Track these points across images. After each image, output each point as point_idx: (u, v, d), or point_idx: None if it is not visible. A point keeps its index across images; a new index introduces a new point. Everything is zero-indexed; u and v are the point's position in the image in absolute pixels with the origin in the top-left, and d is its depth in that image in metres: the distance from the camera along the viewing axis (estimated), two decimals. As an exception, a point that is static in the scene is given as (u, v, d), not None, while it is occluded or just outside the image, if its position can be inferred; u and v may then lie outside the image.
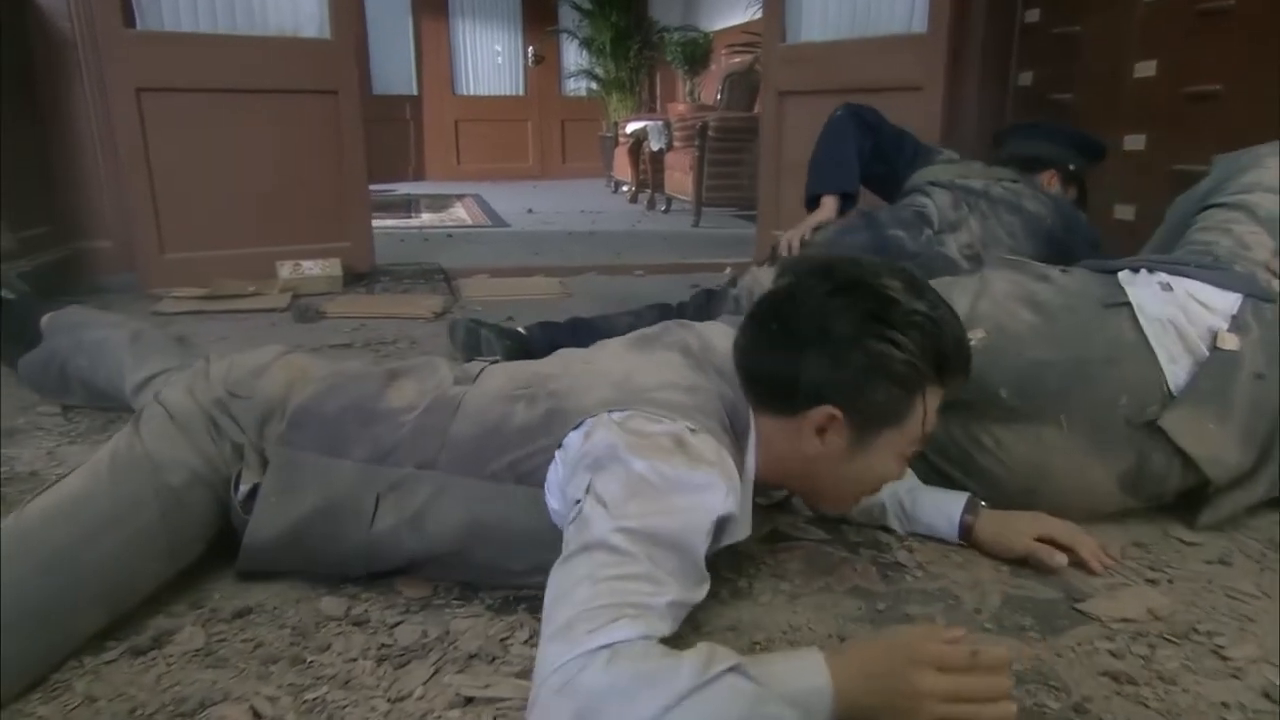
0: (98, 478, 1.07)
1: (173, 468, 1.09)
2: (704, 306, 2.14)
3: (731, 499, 0.93)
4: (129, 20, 2.98)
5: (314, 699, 0.92)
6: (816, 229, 2.16)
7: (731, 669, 0.74)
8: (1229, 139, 2.10)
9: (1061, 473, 1.32)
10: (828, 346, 0.97)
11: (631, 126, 6.92)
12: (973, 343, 1.08)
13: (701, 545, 0.89)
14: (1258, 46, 2.16)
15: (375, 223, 3.66)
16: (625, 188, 7.39)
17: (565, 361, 1.17)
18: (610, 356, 1.14)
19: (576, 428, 0.99)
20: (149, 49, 2.99)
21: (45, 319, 1.80)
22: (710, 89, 7.64)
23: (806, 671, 0.79)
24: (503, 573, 1.10)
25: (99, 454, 1.12)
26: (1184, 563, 1.26)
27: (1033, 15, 3.08)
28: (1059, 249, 2.08)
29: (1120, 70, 2.62)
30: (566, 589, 0.81)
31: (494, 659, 1.00)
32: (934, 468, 1.37)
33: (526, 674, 0.93)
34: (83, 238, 3.13)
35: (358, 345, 2.46)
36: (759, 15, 4.33)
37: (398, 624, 1.07)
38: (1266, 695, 0.95)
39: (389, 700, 0.93)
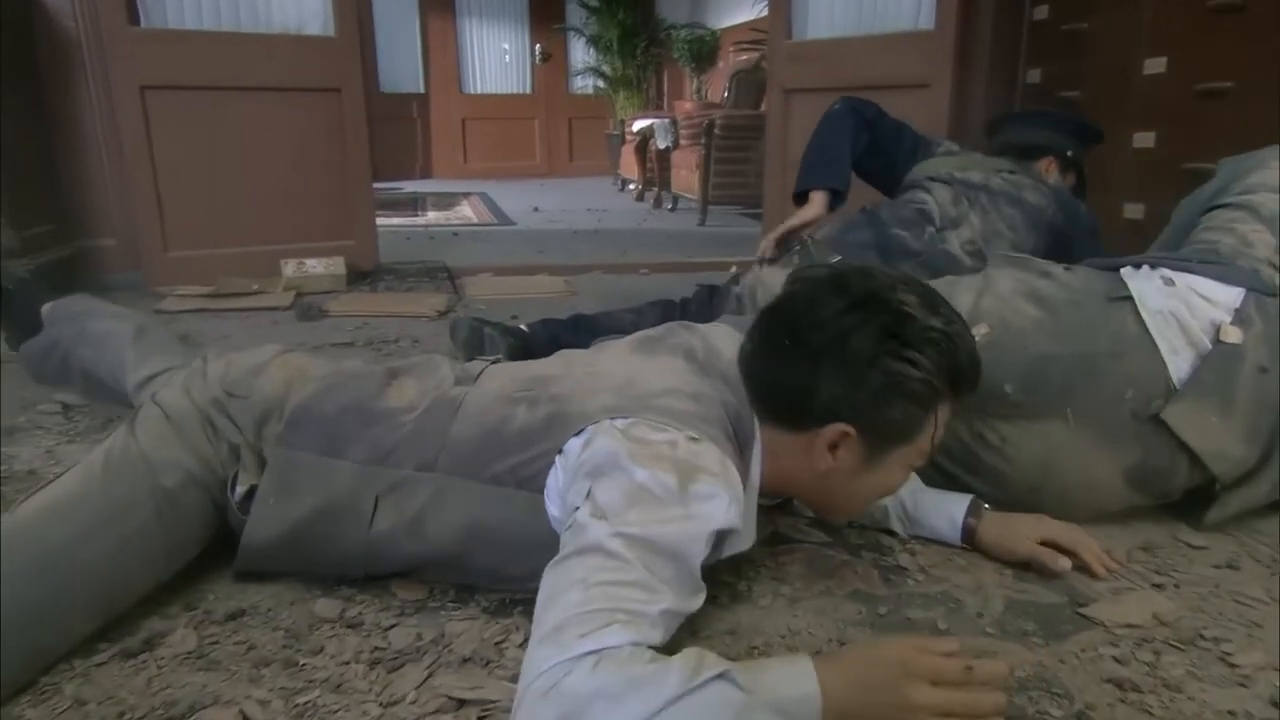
0: (91, 478, 1.06)
1: (167, 469, 1.08)
2: (706, 304, 2.13)
3: (733, 510, 0.91)
4: (133, 18, 2.98)
5: (305, 702, 0.91)
6: (800, 228, 2.13)
7: (719, 675, 0.73)
8: (1239, 137, 2.07)
9: (1067, 468, 1.31)
10: (844, 365, 0.95)
11: (638, 124, 6.91)
12: (977, 339, 1.06)
13: (699, 555, 0.87)
14: (1269, 43, 2.14)
15: (381, 221, 3.66)
16: (632, 186, 7.38)
17: (568, 363, 1.15)
18: (613, 359, 1.12)
19: (578, 434, 0.98)
20: (153, 47, 2.99)
21: (47, 307, 1.80)
22: (717, 87, 7.62)
23: (796, 680, 0.78)
24: (502, 577, 1.09)
25: (94, 454, 1.11)
26: (1191, 567, 1.24)
27: (1041, 12, 3.06)
28: (1060, 239, 2.06)
29: (1130, 67, 2.59)
30: (559, 591, 0.80)
31: (488, 662, 0.99)
32: (938, 467, 1.36)
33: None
34: (87, 236, 3.14)
35: (360, 344, 2.46)
36: (766, 12, 4.30)
37: (392, 626, 1.06)
38: (1274, 704, 0.93)
39: (381, 704, 0.92)
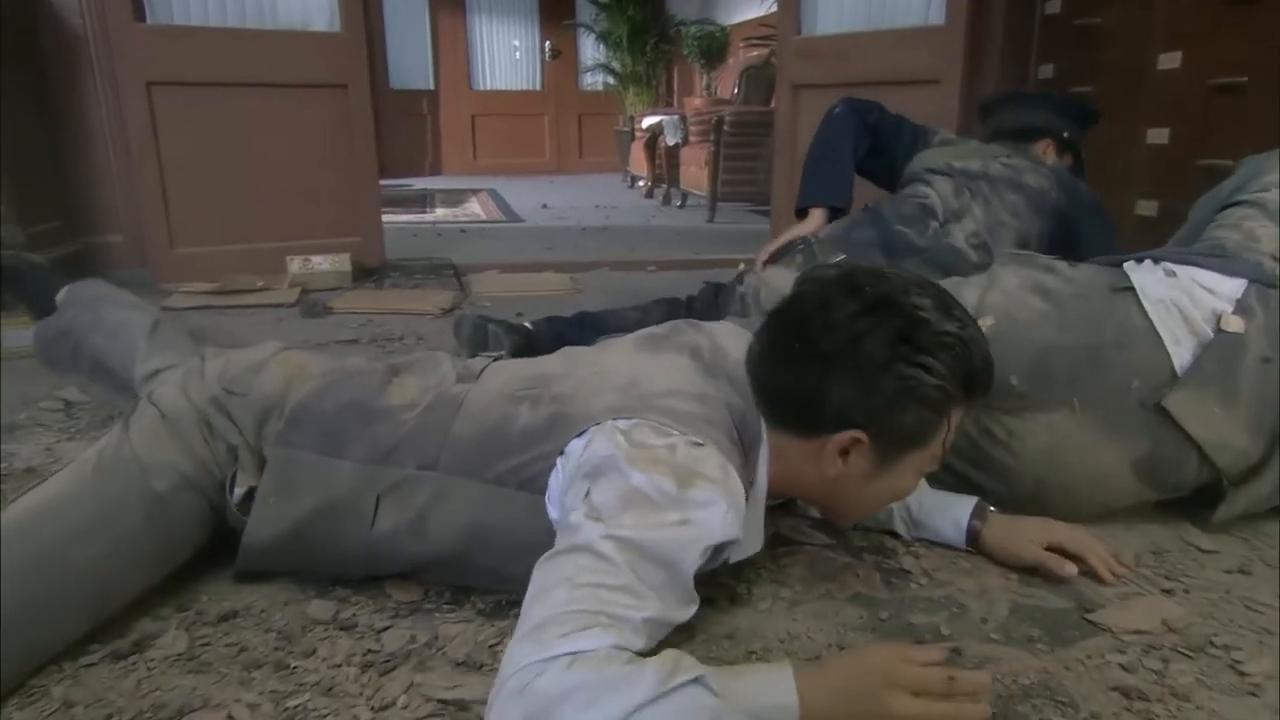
0: (83, 478, 1.05)
1: (160, 471, 1.06)
2: (712, 302, 2.11)
3: (731, 517, 0.89)
4: (139, 14, 2.98)
5: (295, 706, 0.90)
6: (792, 244, 2.11)
7: (694, 680, 0.73)
8: (1255, 132, 2.04)
9: (1074, 460, 1.30)
10: (857, 370, 0.93)
11: (647, 121, 6.88)
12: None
13: (692, 564, 0.86)
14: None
15: (389, 218, 3.65)
16: (641, 183, 7.35)
17: (571, 361, 1.13)
18: (617, 357, 1.11)
19: (580, 435, 0.96)
20: (159, 43, 2.99)
21: (62, 291, 1.79)
22: (727, 83, 7.59)
23: (774, 688, 0.77)
24: (503, 578, 1.07)
25: (87, 453, 1.10)
26: (1201, 571, 1.22)
27: (1053, 6, 3.02)
28: (1064, 221, 2.03)
29: (1144, 62, 2.55)
30: (546, 588, 0.80)
31: (481, 666, 0.98)
32: (943, 464, 1.35)
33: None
34: (94, 232, 3.15)
35: (364, 341, 2.45)
36: (776, 8, 4.27)
37: (386, 629, 1.04)
38: (1286, 714, 0.91)
39: (372, 709, 0.90)
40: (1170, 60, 2.47)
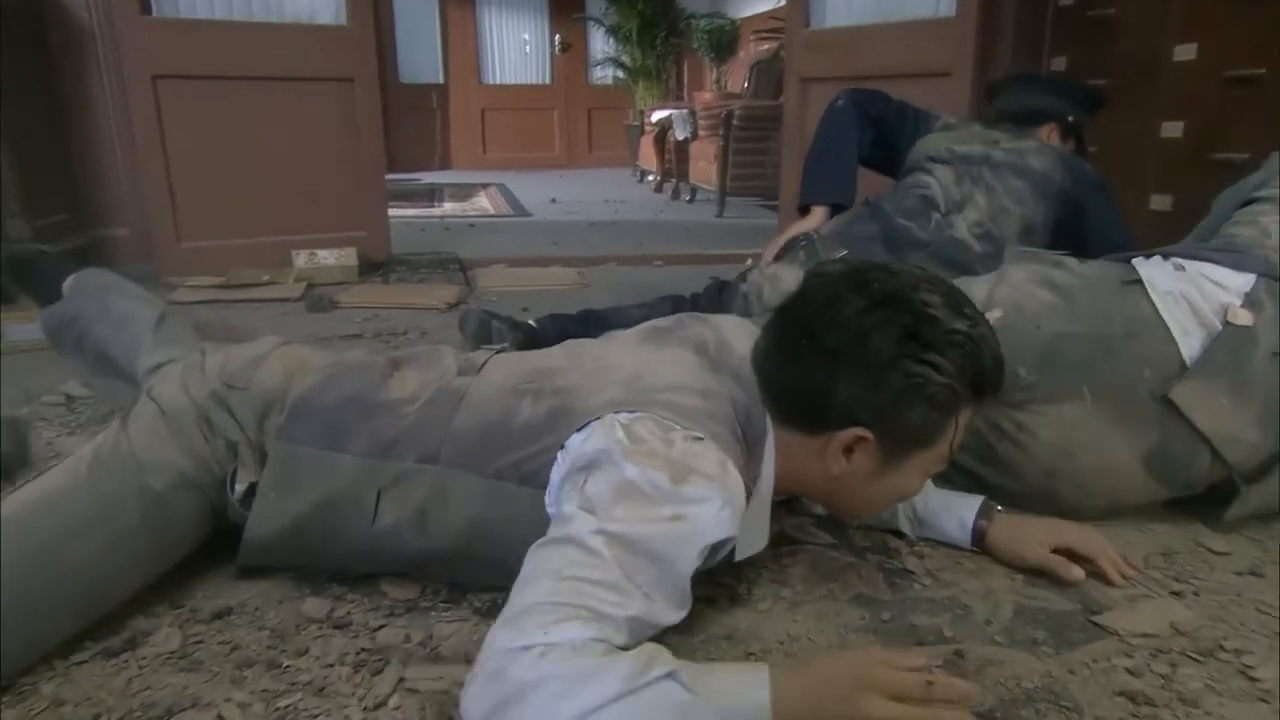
0: (79, 475, 1.04)
1: (157, 469, 1.06)
2: (716, 299, 2.08)
3: (725, 515, 0.88)
4: (145, 7, 2.98)
5: (285, 706, 0.89)
6: (794, 240, 2.08)
7: (666, 675, 0.72)
8: (1272, 125, 2.01)
9: (1085, 451, 1.29)
10: (863, 368, 0.92)
11: (657, 115, 6.86)
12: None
13: (686, 562, 0.85)
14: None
15: (397, 212, 3.64)
16: (650, 177, 7.33)
17: (574, 355, 1.12)
18: (621, 351, 1.09)
19: (580, 429, 0.95)
20: (165, 36, 2.99)
21: (69, 279, 1.78)
22: (737, 77, 7.56)
23: (748, 687, 0.76)
24: (506, 573, 1.06)
25: (84, 449, 1.10)
26: (1211, 573, 1.20)
27: (1067, -3, 2.98)
28: (1070, 204, 1.99)
29: (1159, 54, 2.52)
30: (533, 576, 0.81)
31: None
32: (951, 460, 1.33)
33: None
34: (101, 226, 3.15)
35: (369, 335, 2.44)
36: (786, 1, 4.24)
37: (380, 627, 1.03)
38: (1297, 721, 0.89)
39: (364, 709, 0.89)
40: (1185, 52, 2.43)
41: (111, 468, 1.05)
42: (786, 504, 1.29)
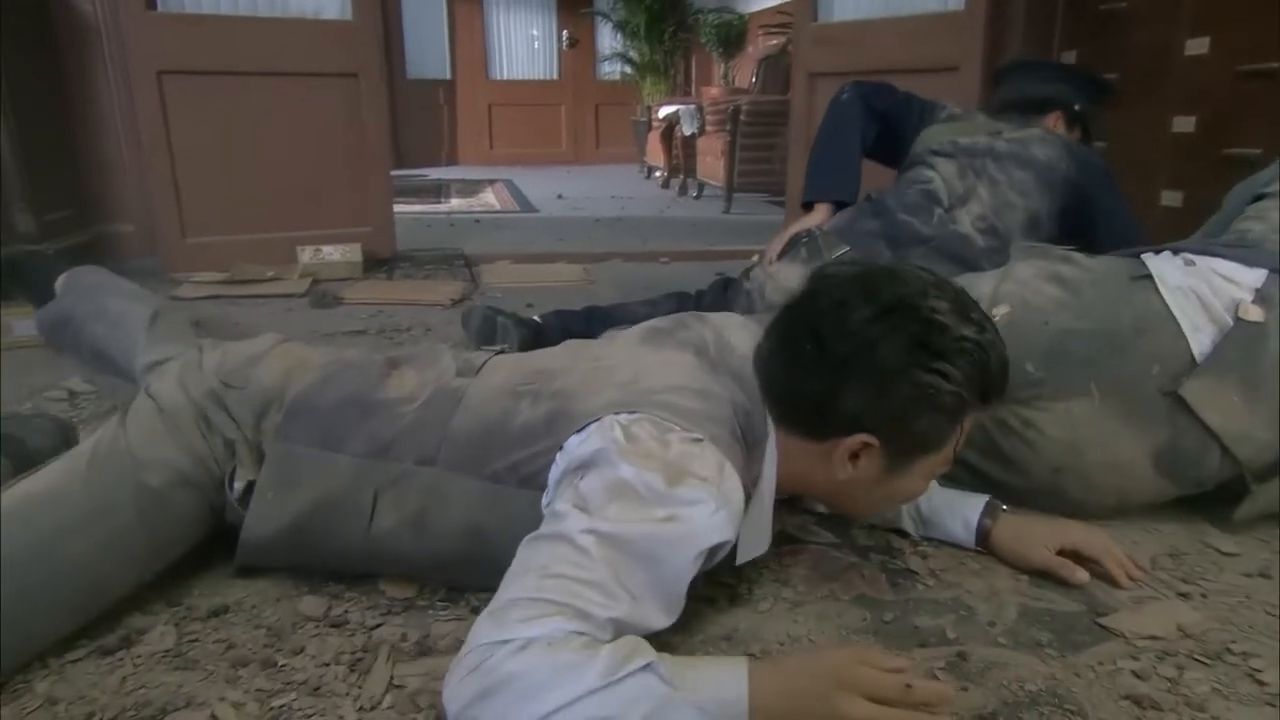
0: (76, 471, 1.04)
1: (155, 467, 1.05)
2: (721, 296, 2.07)
3: (721, 518, 0.87)
4: (150, 2, 2.97)
5: (280, 705, 0.88)
6: (797, 237, 2.06)
7: (644, 667, 0.73)
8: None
9: (1093, 447, 1.27)
10: (870, 376, 0.90)
11: (664, 111, 6.84)
12: (996, 319, 1.01)
13: (680, 567, 0.84)
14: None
15: (403, 208, 3.63)
16: (658, 173, 7.31)
17: (573, 356, 1.11)
18: (620, 352, 1.08)
19: (579, 431, 0.94)
20: (170, 31, 2.98)
21: (61, 278, 1.78)
22: (745, 72, 7.52)
23: (726, 681, 0.76)
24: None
25: (82, 445, 1.09)
26: (1220, 575, 1.18)
27: (1077, -10, 2.95)
28: (1076, 192, 1.95)
29: (1170, 47, 2.49)
30: (522, 569, 0.82)
31: (472, 666, 0.95)
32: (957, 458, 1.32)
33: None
34: (106, 221, 3.15)
35: (373, 332, 2.43)
36: (793, -6, 4.21)
37: (377, 626, 1.03)
38: (1306, 727, 0.87)
39: (358, 708, 0.88)
40: (1198, 46, 2.40)
41: (109, 465, 1.04)
42: (788, 502, 1.28)
